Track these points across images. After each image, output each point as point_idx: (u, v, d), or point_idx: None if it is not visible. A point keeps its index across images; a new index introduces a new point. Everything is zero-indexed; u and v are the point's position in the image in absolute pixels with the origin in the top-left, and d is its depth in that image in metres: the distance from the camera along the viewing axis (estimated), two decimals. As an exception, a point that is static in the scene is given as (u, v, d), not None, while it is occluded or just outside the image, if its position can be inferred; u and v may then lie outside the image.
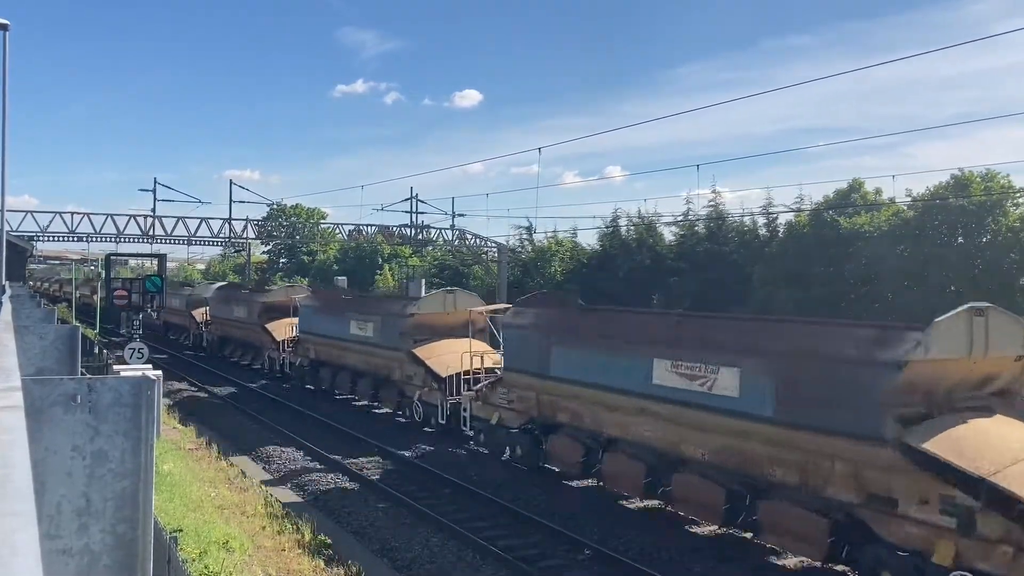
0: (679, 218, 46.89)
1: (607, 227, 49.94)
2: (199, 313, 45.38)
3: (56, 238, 46.43)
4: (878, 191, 38.36)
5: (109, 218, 46.50)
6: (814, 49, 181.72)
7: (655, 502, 16.50)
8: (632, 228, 48.86)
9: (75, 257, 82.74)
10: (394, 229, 53.77)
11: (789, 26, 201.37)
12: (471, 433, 21.87)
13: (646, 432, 15.64)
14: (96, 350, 33.14)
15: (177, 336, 50.46)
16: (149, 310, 32.17)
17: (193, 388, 34.67)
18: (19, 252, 29.85)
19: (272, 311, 37.49)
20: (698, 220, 45.49)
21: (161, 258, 33.63)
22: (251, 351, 40.10)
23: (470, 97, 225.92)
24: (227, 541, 12.99)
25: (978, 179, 33.59)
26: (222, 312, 42.00)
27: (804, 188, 60.73)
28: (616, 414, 16.38)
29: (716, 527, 15.57)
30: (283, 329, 36.04)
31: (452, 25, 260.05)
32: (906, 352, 11.49)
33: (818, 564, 13.63)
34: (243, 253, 69.19)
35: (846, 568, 13.49)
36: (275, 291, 40.91)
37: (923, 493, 11.21)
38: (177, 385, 35.14)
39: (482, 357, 22.90)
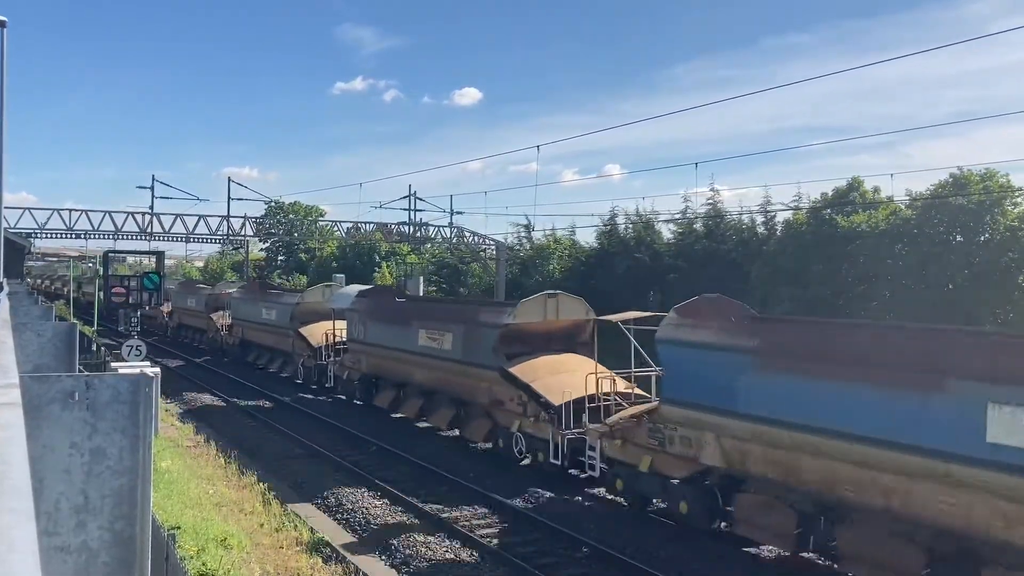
0: (677, 216, 46.92)
1: (605, 225, 49.95)
2: (316, 332, 33.93)
3: (54, 235, 46.40)
4: (876, 190, 38.38)
5: (107, 215, 46.48)
6: (813, 47, 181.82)
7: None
8: (630, 226, 48.86)
9: (73, 254, 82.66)
10: (392, 227, 53.77)
11: (789, 24, 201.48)
12: None
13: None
14: (94, 347, 33.14)
15: (265, 360, 40.29)
16: (147, 307, 32.21)
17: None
18: (17, 249, 29.79)
19: (516, 340, 21.74)
20: (696, 218, 45.50)
21: (159, 255, 33.63)
22: (448, 407, 24.17)
23: (469, 95, 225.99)
24: (225, 539, 13.00)
25: (977, 178, 33.62)
26: (381, 335, 27.33)
27: (802, 186, 60.71)
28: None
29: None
30: (554, 381, 20.14)
31: (451, 23, 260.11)
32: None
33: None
34: (241, 251, 69.15)
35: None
36: (529, 304, 22.44)
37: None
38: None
39: None
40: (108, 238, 47.13)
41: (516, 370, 20.87)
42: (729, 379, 14.61)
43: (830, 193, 39.41)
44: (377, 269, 67.78)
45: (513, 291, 49.20)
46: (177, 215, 48.76)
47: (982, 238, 32.92)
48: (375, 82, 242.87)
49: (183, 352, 46.48)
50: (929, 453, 11.47)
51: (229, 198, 55.21)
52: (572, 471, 19.44)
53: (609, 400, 18.03)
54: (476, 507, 17.48)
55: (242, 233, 53.27)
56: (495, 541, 15.50)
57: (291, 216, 74.26)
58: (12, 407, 2.20)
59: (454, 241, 54.76)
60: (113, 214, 46.70)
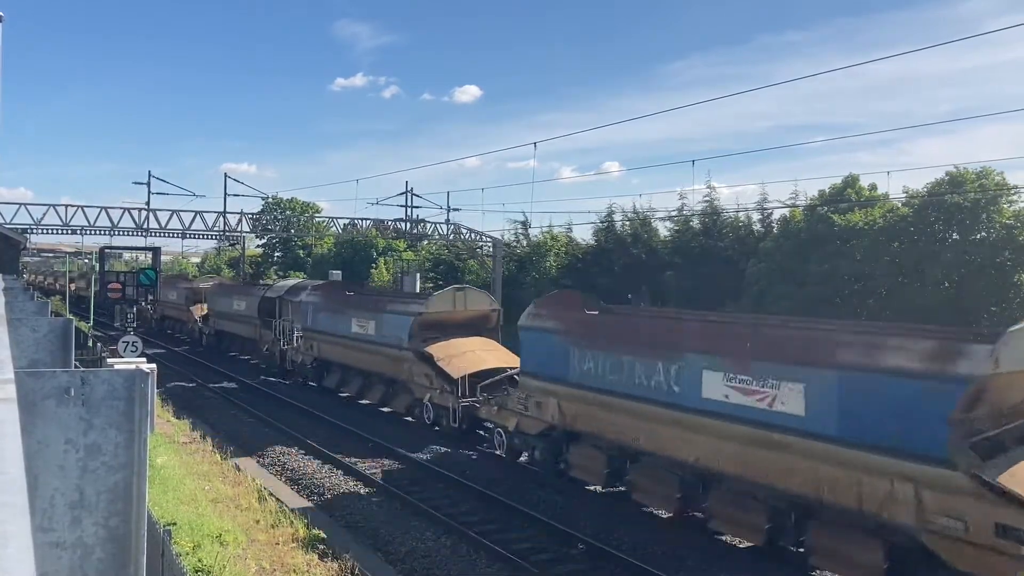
0: (673, 213, 46.94)
1: (602, 222, 49.95)
2: None
3: (50, 231, 46.21)
4: (872, 187, 38.42)
5: (103, 211, 46.29)
6: (810, 45, 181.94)
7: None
8: (627, 223, 48.86)
9: (69, 250, 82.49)
10: (389, 223, 53.66)
11: (785, 22, 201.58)
12: None
13: None
14: (90, 343, 33.06)
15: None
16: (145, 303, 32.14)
17: None
18: (13, 245, 29.73)
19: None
20: (693, 215, 45.53)
21: (155, 251, 33.54)
22: None
23: (470, 92, 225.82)
24: (221, 535, 12.99)
25: (972, 176, 33.69)
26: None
27: (799, 184, 60.84)
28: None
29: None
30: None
31: (449, 20, 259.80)
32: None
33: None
34: (237, 247, 69.00)
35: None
36: None
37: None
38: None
39: None
40: (104, 234, 46.90)
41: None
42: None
43: (827, 190, 39.44)
44: (374, 266, 67.77)
45: (510, 288, 49.19)
46: (173, 211, 48.58)
47: (978, 236, 32.99)
48: (375, 79, 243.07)
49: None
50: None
51: (226, 194, 55.17)
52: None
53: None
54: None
55: (238, 229, 53.08)
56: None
57: (288, 212, 74.13)
58: (7, 403, 2.20)
59: (451, 238, 54.71)
60: (109, 210, 46.55)
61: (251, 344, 42.19)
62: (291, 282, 41.57)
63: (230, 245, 71.43)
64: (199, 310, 49.93)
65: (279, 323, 36.14)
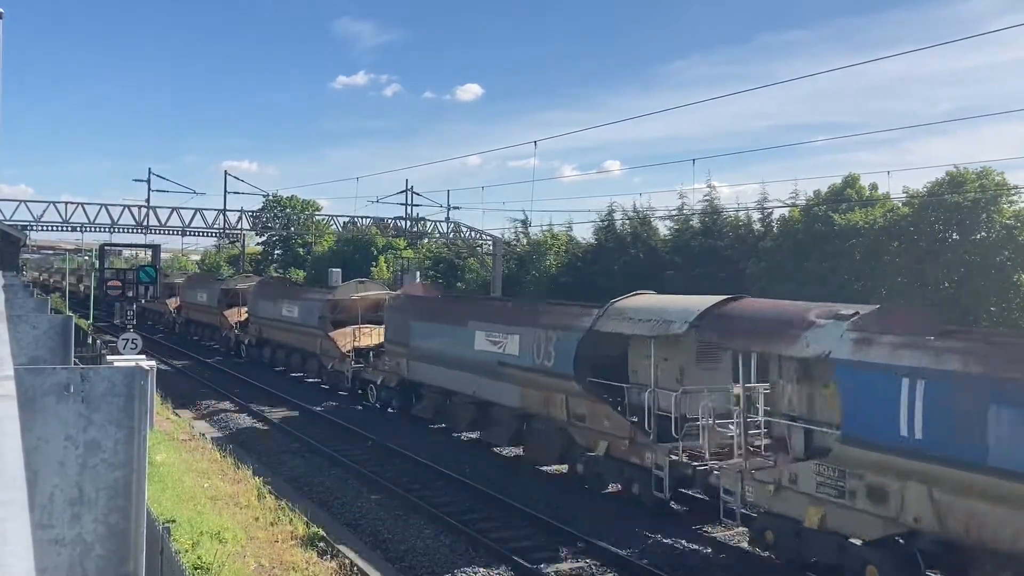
0: (673, 212, 46.93)
1: (602, 221, 49.93)
2: None
3: (50, 228, 46.23)
4: (873, 187, 38.41)
5: (103, 208, 46.31)
6: (810, 44, 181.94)
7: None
8: (627, 222, 48.83)
9: (69, 247, 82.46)
10: (389, 221, 53.66)
11: (786, 21, 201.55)
12: None
13: None
14: (90, 340, 33.08)
15: None
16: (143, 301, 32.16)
17: None
18: (13, 242, 29.72)
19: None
20: (693, 214, 45.51)
21: (155, 248, 33.54)
22: None
23: (471, 91, 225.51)
24: (220, 532, 12.99)
25: (973, 176, 33.68)
26: None
27: (800, 183, 60.80)
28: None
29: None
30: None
31: (450, 18, 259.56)
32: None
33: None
34: (237, 244, 69.00)
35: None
36: None
37: None
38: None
39: None
40: (104, 231, 46.93)
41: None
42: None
43: (823, 190, 39.43)
44: (374, 264, 67.76)
45: (510, 287, 49.18)
46: (173, 208, 48.61)
47: (978, 236, 32.98)
48: (376, 77, 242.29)
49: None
50: None
51: (226, 191, 55.19)
52: None
53: None
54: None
55: (239, 227, 53.08)
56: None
57: (288, 210, 74.11)
58: (6, 399, 2.20)
59: (451, 236, 54.69)
60: (109, 207, 46.58)
61: (526, 420, 20.53)
62: (702, 302, 16.11)
63: (230, 243, 71.44)
64: (348, 338, 29.64)
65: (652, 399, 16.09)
